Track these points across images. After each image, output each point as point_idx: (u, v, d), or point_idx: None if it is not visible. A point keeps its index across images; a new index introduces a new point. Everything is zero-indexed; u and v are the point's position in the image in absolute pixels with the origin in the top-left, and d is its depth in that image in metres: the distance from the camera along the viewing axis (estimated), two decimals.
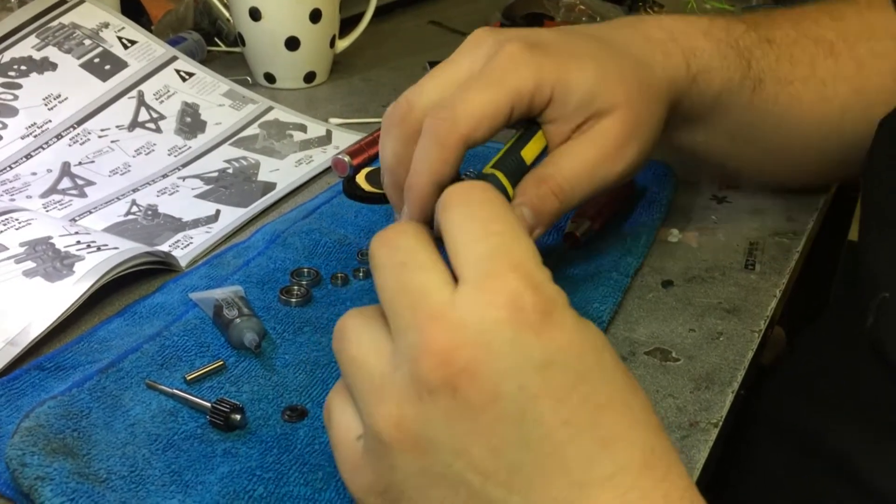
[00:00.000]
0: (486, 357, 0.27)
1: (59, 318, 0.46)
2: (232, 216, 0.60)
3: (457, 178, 0.41)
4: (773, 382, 0.54)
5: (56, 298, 0.47)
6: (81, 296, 0.47)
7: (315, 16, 0.79)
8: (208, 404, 0.40)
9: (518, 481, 0.28)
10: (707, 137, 0.54)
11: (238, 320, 0.45)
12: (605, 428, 0.28)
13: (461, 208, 0.30)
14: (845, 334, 0.49)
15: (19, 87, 0.68)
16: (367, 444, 0.30)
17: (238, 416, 0.40)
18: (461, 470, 0.28)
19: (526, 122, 0.45)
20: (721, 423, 0.42)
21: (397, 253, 0.30)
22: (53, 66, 0.70)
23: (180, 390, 0.42)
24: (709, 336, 0.48)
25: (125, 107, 0.71)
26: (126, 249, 0.51)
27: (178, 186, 0.64)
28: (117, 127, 0.69)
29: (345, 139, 0.72)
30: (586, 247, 0.55)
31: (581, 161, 0.44)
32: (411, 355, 0.28)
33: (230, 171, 0.66)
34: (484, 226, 0.29)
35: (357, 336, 0.30)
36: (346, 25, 0.87)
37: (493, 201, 0.30)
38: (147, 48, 0.75)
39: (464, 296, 0.28)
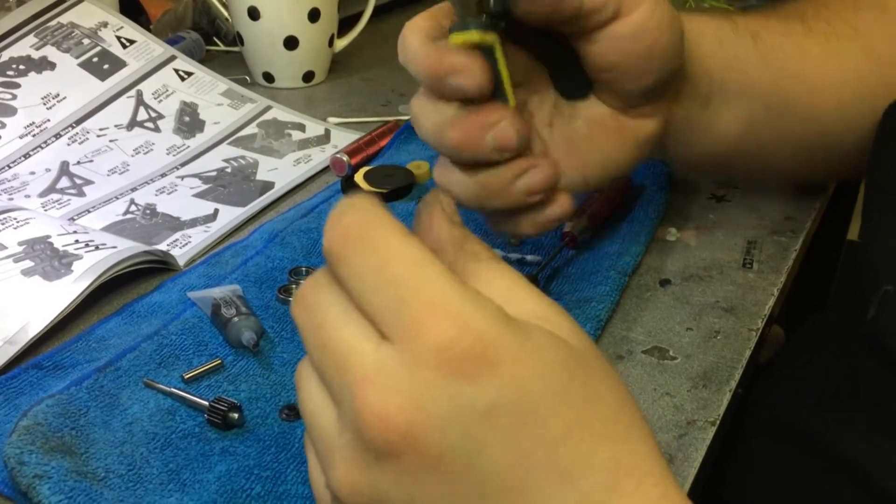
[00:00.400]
0: (425, 419, 0.25)
1: (57, 317, 0.46)
2: (230, 215, 0.60)
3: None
4: (771, 380, 0.54)
5: (54, 297, 0.47)
6: (80, 295, 0.47)
7: (314, 15, 0.79)
8: (206, 403, 0.41)
9: None
10: (729, 116, 0.49)
11: (236, 319, 0.45)
12: (563, 460, 0.27)
13: (349, 262, 0.27)
14: (845, 331, 0.49)
15: (18, 86, 0.68)
16: (332, 499, 0.29)
17: (236, 415, 0.40)
18: None
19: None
20: (719, 422, 0.42)
21: (314, 314, 0.28)
22: (52, 66, 0.70)
23: (178, 389, 0.42)
24: (706, 335, 0.48)
25: (124, 106, 0.71)
26: (124, 248, 0.51)
27: (176, 185, 0.64)
28: (116, 126, 0.69)
29: (343, 138, 0.72)
30: (584, 246, 0.55)
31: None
32: (351, 420, 0.26)
33: (228, 170, 0.66)
34: (382, 273, 0.27)
35: (309, 391, 0.29)
36: (345, 25, 0.87)
37: (379, 236, 0.27)
38: (146, 47, 0.75)
39: (390, 357, 0.26)
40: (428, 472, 0.26)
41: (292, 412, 0.41)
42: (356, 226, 0.27)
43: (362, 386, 0.26)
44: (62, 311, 0.47)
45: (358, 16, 0.88)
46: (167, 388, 0.42)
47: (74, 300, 0.47)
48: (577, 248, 0.54)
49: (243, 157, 0.68)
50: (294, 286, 0.51)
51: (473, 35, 0.36)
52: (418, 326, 0.26)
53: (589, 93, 0.43)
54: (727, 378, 0.45)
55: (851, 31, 0.51)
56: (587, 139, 0.43)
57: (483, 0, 0.36)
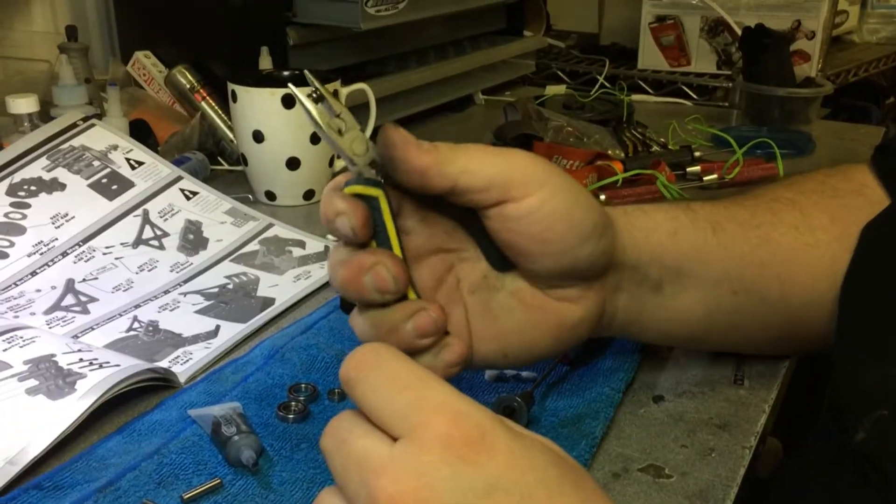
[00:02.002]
0: (431, 496, 0.29)
1: (59, 436, 0.47)
2: (231, 331, 0.61)
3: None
4: (767, 500, 0.54)
5: (57, 417, 0.48)
6: (82, 414, 0.48)
7: (315, 138, 0.83)
8: None
9: None
10: (689, 301, 0.50)
11: (236, 438, 0.46)
12: None
13: (365, 381, 0.33)
14: (836, 451, 0.49)
15: (28, 206, 0.71)
16: None
17: None
18: None
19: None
20: None
21: (337, 435, 0.33)
22: (62, 187, 0.73)
23: None
24: (701, 452, 0.49)
25: (130, 224, 0.73)
26: (127, 367, 0.52)
27: (179, 302, 0.65)
28: (122, 244, 0.71)
29: None
30: (578, 362, 0.56)
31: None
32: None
33: (230, 286, 0.68)
34: (393, 385, 0.32)
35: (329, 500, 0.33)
36: None
37: (389, 361, 0.33)
38: (154, 169, 0.78)
39: (400, 450, 0.31)
40: None
41: None
42: (369, 353, 0.34)
43: (377, 475, 0.30)
44: (64, 431, 0.47)
45: None
46: None
47: (77, 419, 0.48)
48: (571, 365, 0.56)
49: (245, 274, 0.70)
50: (293, 403, 0.51)
51: (357, 188, 0.41)
52: (425, 423, 0.31)
53: (512, 266, 0.45)
54: (723, 497, 0.45)
55: (827, 221, 0.52)
56: (507, 311, 0.45)
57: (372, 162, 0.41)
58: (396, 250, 0.42)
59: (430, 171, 0.40)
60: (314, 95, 0.40)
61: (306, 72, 0.43)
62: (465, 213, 0.44)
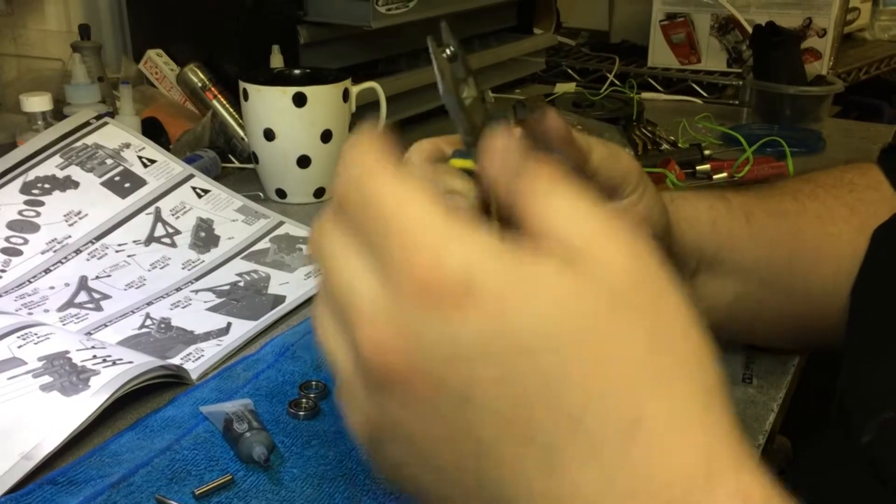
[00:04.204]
0: (413, 351, 0.26)
1: (73, 432, 0.47)
2: (242, 329, 0.62)
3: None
4: None
5: (71, 413, 0.48)
6: (96, 410, 0.49)
7: (326, 136, 0.83)
8: None
9: (488, 467, 0.26)
10: (717, 289, 0.51)
11: (248, 434, 0.46)
12: (567, 402, 0.25)
13: (348, 206, 0.28)
14: (844, 451, 0.49)
15: (42, 204, 0.72)
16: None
17: None
18: (432, 457, 0.27)
19: None
20: None
21: (324, 260, 0.29)
22: (76, 185, 0.74)
23: None
24: None
25: (142, 222, 0.74)
26: (140, 364, 0.52)
27: (190, 300, 0.66)
28: (134, 242, 0.72)
29: None
30: None
31: None
32: (355, 356, 0.28)
33: (241, 284, 0.68)
34: (372, 213, 0.27)
35: (324, 327, 0.30)
36: None
37: (375, 181, 0.27)
38: (166, 166, 0.79)
39: (380, 294, 0.27)
40: (426, 411, 0.26)
41: None
42: (356, 173, 0.28)
43: (360, 323, 0.27)
44: (78, 427, 0.48)
45: None
46: None
47: (91, 415, 0.48)
48: None
49: (256, 272, 0.70)
50: (304, 400, 0.52)
51: (465, 162, 0.37)
52: (402, 261, 0.26)
53: None
54: None
55: (847, 212, 0.53)
56: None
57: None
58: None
59: (579, 160, 0.42)
60: (448, 53, 0.34)
61: (443, 24, 0.36)
62: None
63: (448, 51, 0.35)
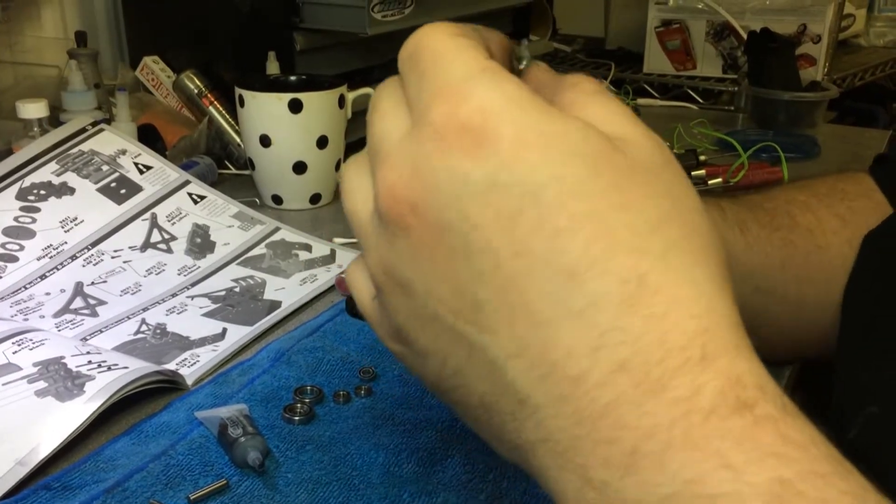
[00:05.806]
0: (425, 191, 0.26)
1: (68, 438, 0.47)
2: (238, 334, 0.62)
3: None
4: None
5: (66, 418, 0.48)
6: (91, 415, 0.49)
7: (322, 142, 0.83)
8: None
9: (483, 319, 0.26)
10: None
11: (242, 439, 0.46)
12: (566, 258, 0.24)
13: (405, 65, 0.29)
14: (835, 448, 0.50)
15: (38, 210, 0.72)
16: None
17: None
18: (436, 309, 0.27)
19: None
20: None
21: (374, 106, 0.31)
22: (71, 191, 0.74)
23: None
24: None
25: (138, 228, 0.74)
26: (135, 369, 0.52)
27: (186, 305, 0.66)
28: (130, 248, 0.72)
29: (348, 258, 0.74)
30: None
31: None
32: (374, 199, 0.28)
33: (237, 289, 0.68)
34: (417, 64, 0.28)
35: (349, 177, 0.31)
36: (352, 149, 0.91)
37: (435, 42, 0.28)
38: (162, 173, 0.79)
39: (405, 137, 0.27)
40: (432, 249, 0.26)
41: None
42: (419, 32, 0.29)
43: (382, 164, 0.28)
44: (73, 433, 0.48)
45: (364, 140, 0.92)
46: None
47: (86, 421, 0.48)
48: None
49: (252, 277, 0.70)
50: (299, 406, 0.52)
51: None
52: (428, 106, 0.27)
53: None
54: None
55: (839, 224, 0.53)
56: None
57: None
58: None
59: None
60: (520, 68, 0.35)
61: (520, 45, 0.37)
62: None
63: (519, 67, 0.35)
